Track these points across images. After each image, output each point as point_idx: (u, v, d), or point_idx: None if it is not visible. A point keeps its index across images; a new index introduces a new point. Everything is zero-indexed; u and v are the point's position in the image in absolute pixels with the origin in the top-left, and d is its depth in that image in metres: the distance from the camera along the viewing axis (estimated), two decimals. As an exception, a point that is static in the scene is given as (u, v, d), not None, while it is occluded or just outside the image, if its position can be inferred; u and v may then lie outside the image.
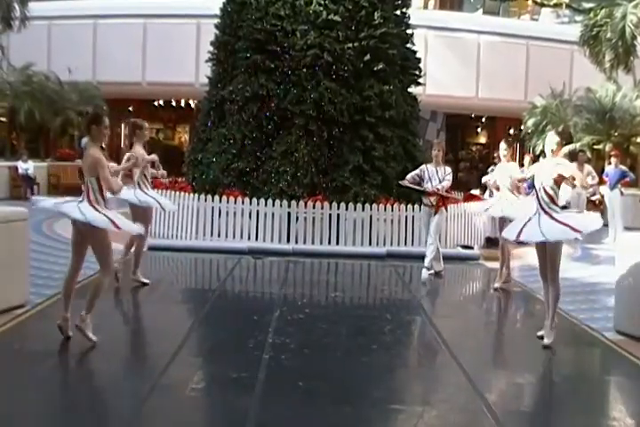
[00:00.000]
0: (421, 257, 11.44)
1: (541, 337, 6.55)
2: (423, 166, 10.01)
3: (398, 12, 13.97)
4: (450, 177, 9.87)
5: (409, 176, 10.02)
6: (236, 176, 12.62)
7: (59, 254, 10.63)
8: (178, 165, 14.50)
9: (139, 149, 8.28)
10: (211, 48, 14.16)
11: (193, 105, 25.89)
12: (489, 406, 4.91)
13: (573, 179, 6.48)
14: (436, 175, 9.83)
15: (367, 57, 12.92)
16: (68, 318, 6.05)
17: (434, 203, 9.88)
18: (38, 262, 9.16)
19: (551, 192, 6.50)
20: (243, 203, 12.02)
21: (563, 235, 6.44)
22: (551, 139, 6.73)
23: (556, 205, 6.55)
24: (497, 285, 9.18)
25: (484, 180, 10.20)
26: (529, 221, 6.54)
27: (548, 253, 6.50)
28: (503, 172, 9.37)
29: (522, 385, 5.75)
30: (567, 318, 7.69)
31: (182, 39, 23.14)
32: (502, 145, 9.59)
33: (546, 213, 6.49)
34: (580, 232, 6.43)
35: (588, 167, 14.90)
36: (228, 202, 12.04)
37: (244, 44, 13.10)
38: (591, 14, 21.81)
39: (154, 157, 8.52)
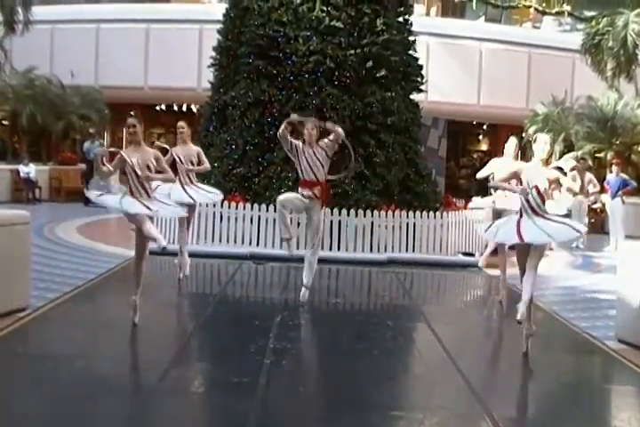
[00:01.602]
0: (423, 263, 11.51)
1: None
2: (296, 142, 8.05)
3: (401, 19, 14.00)
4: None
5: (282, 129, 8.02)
6: (238, 181, 12.62)
7: (60, 258, 10.66)
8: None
9: (177, 148, 9.10)
10: (213, 53, 14.18)
11: (195, 110, 25.91)
12: (489, 413, 4.90)
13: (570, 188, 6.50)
14: (315, 157, 7.88)
15: (369, 63, 12.93)
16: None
17: (317, 194, 7.96)
18: (40, 266, 9.16)
19: (544, 195, 6.39)
20: (244, 208, 12.01)
21: (568, 233, 6.42)
22: (542, 147, 6.61)
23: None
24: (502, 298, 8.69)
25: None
26: (519, 223, 6.35)
27: (536, 249, 6.36)
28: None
29: (523, 392, 5.77)
30: (568, 327, 7.70)
31: (185, 44, 23.18)
32: (513, 140, 8.99)
33: (537, 214, 6.35)
34: (580, 232, 6.44)
35: (589, 175, 14.93)
36: (229, 207, 12.03)
37: (247, 49, 13.13)
38: (593, 23, 21.86)
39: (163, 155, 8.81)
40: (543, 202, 6.41)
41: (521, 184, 6.53)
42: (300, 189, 8.03)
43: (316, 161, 7.88)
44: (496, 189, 8.55)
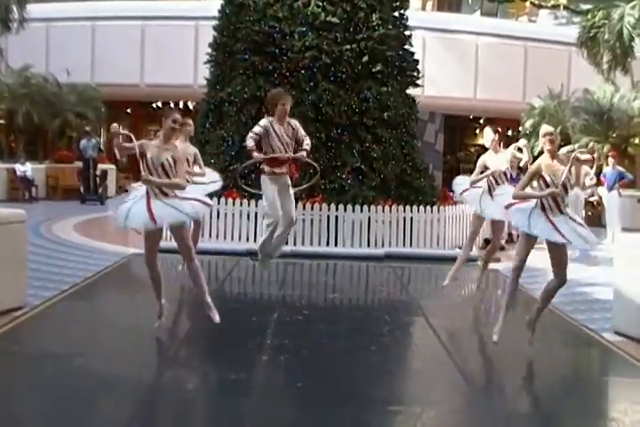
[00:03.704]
0: (420, 258, 11.52)
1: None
2: (266, 122, 7.45)
3: (396, 14, 13.97)
4: (307, 138, 7.61)
5: (251, 141, 7.39)
6: (235, 178, 12.60)
7: (57, 256, 10.65)
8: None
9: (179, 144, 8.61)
10: (209, 50, 14.16)
11: (191, 107, 25.88)
12: (487, 407, 4.91)
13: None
14: (286, 137, 7.47)
15: (365, 58, 12.92)
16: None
17: (285, 171, 7.62)
18: (36, 264, 9.15)
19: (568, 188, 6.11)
20: (241, 205, 12.01)
21: (589, 239, 6.11)
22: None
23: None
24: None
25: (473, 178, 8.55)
26: (551, 221, 5.99)
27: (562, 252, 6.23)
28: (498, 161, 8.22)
29: (520, 386, 5.77)
30: (565, 319, 7.71)
31: (180, 41, 23.16)
32: (488, 131, 8.63)
33: (562, 212, 6.06)
34: (592, 244, 6.32)
35: (585, 168, 14.90)
36: (226, 204, 12.03)
37: (243, 45, 13.11)
38: (589, 16, 21.88)
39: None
40: (562, 199, 6.08)
41: (544, 182, 6.09)
42: (268, 168, 7.57)
43: (286, 138, 7.49)
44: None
